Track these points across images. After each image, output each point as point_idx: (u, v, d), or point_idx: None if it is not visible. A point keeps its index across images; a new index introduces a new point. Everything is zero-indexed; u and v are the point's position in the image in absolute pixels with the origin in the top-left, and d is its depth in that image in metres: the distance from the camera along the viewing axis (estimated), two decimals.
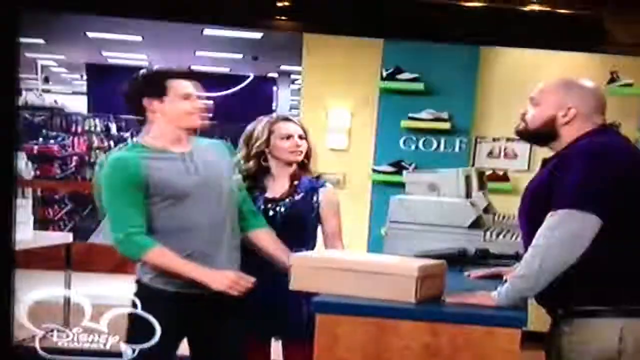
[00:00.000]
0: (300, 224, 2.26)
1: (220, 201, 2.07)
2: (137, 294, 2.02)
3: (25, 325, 1.89)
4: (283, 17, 1.11)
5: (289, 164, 2.29)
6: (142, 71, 2.13)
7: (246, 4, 1.12)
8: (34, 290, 1.90)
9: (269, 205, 2.27)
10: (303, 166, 2.32)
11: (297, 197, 2.28)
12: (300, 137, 2.29)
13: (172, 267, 1.97)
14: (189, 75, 2.13)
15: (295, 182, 2.29)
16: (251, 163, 2.29)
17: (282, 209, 2.26)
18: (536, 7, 1.00)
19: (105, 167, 2.01)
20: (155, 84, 2.04)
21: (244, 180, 2.23)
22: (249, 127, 2.34)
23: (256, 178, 2.29)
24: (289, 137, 2.28)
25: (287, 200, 2.27)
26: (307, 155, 2.31)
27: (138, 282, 2.07)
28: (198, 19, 1.81)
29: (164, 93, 2.03)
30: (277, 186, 2.29)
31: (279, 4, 1.10)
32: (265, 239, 2.17)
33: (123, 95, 2.10)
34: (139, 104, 2.05)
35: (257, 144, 2.28)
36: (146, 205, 1.99)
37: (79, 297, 1.96)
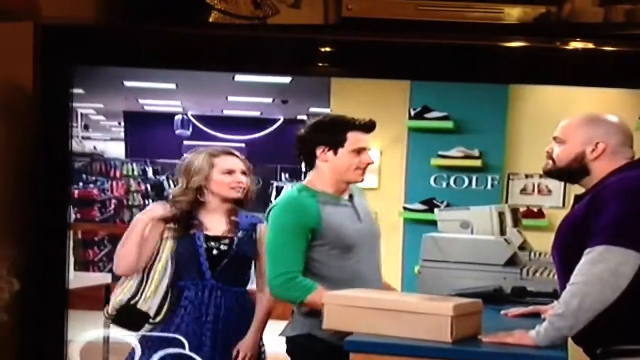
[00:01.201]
0: (245, 263, 2.13)
1: (375, 249, 2.03)
2: (306, 350, 1.93)
3: None
4: (312, 64, 1.16)
5: (226, 200, 2.13)
6: (322, 117, 2.07)
7: (270, 52, 1.18)
8: (83, 331, 1.95)
9: (212, 244, 2.11)
10: (240, 202, 2.15)
11: (240, 235, 2.12)
12: (242, 172, 2.14)
13: None
14: (369, 127, 2.00)
15: (234, 219, 2.13)
16: (188, 197, 2.12)
17: (226, 248, 2.10)
18: (578, 45, 1.01)
19: (278, 209, 1.96)
20: (334, 134, 1.97)
21: (177, 216, 2.09)
22: (189, 159, 2.17)
23: (191, 213, 2.12)
24: (230, 172, 2.12)
25: (230, 238, 2.12)
26: (247, 192, 2.15)
27: (307, 336, 1.93)
28: (231, 68, 1.87)
29: (341, 145, 1.97)
30: (216, 223, 2.12)
31: (308, 52, 1.16)
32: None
33: (298, 139, 2.04)
34: (310, 151, 2.00)
35: (197, 177, 2.11)
36: (311, 252, 1.93)
37: (130, 338, 1.99)
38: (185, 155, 2.19)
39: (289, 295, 1.93)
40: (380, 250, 2.06)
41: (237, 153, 2.20)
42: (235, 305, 2.10)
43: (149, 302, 2.07)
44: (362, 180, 2.04)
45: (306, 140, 2.02)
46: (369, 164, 2.02)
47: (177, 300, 2.08)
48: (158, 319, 2.07)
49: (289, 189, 2.03)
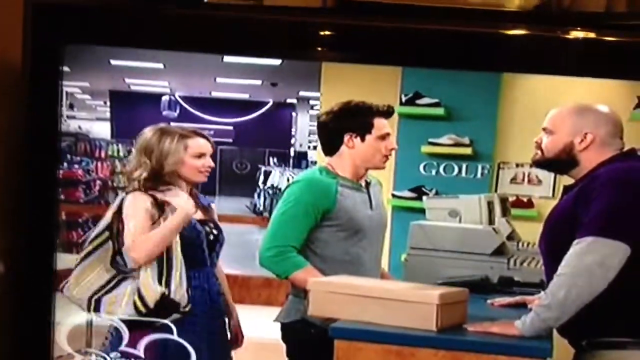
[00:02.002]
0: (223, 245, 2.06)
1: (379, 239, 2.06)
2: (301, 336, 1.92)
3: (62, 348, 1.87)
4: (304, 47, 1.13)
5: (191, 183, 2.03)
6: (346, 103, 2.02)
7: (264, 34, 1.15)
8: (66, 313, 1.90)
9: (207, 229, 2.02)
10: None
11: (213, 216, 2.06)
12: (210, 155, 2.04)
13: None
14: (390, 112, 2.03)
15: (197, 201, 2.05)
16: (164, 183, 1.98)
17: (217, 232, 2.04)
18: (579, 35, 1.00)
19: (298, 185, 1.97)
20: (362, 120, 1.98)
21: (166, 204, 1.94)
22: (152, 139, 2.00)
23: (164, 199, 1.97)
24: (201, 155, 2.02)
25: (213, 221, 2.06)
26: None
27: (301, 321, 1.92)
28: (224, 50, 1.82)
29: (369, 131, 1.98)
30: (191, 206, 2.00)
31: (300, 35, 1.13)
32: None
33: (321, 125, 2.02)
34: (336, 138, 1.99)
35: (171, 161, 1.98)
36: (318, 232, 1.94)
37: (117, 322, 1.93)
38: (145, 131, 2.02)
39: (276, 268, 1.95)
40: (383, 242, 2.09)
41: (205, 134, 2.08)
42: (220, 288, 2.07)
43: (180, 291, 1.95)
44: (384, 167, 2.05)
45: (331, 126, 2.01)
46: (392, 149, 2.03)
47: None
48: (188, 308, 1.96)
49: (309, 170, 2.06)
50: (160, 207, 1.97)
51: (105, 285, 1.99)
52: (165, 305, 1.95)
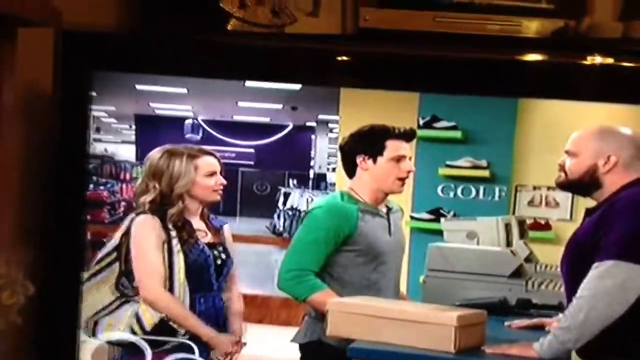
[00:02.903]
0: (230, 270, 2.04)
1: (398, 265, 2.07)
2: (318, 357, 1.93)
3: None
4: (324, 74, 1.17)
5: (205, 203, 2.01)
6: (364, 126, 2.04)
7: (285, 61, 1.20)
8: (104, 332, 1.90)
9: (215, 253, 2.01)
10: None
11: (223, 239, 2.04)
12: (221, 173, 2.01)
13: None
14: (409, 135, 2.03)
15: (208, 222, 2.02)
16: (176, 207, 1.94)
17: (225, 257, 2.02)
18: (597, 60, 1.01)
19: (321, 211, 1.98)
20: (372, 142, 2.00)
21: (173, 226, 1.92)
22: (160, 161, 1.95)
23: (178, 223, 1.95)
24: (212, 174, 1.99)
25: (222, 245, 2.02)
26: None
27: (318, 342, 1.93)
28: (247, 76, 1.86)
29: (380, 153, 2.00)
30: (202, 228, 2.00)
31: (320, 62, 1.18)
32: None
33: (339, 148, 2.09)
34: (351, 160, 2.02)
35: (182, 183, 1.95)
36: (337, 256, 1.96)
37: (139, 341, 1.90)
38: (152, 154, 1.98)
39: (294, 290, 1.97)
40: (401, 267, 2.10)
41: (214, 152, 2.05)
42: (226, 312, 2.04)
43: None
44: (401, 192, 2.05)
45: (347, 149, 2.06)
46: (409, 172, 2.04)
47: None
48: (188, 335, 1.92)
49: (330, 195, 2.09)
50: (167, 231, 1.93)
51: (107, 307, 1.97)
52: (163, 330, 1.92)
